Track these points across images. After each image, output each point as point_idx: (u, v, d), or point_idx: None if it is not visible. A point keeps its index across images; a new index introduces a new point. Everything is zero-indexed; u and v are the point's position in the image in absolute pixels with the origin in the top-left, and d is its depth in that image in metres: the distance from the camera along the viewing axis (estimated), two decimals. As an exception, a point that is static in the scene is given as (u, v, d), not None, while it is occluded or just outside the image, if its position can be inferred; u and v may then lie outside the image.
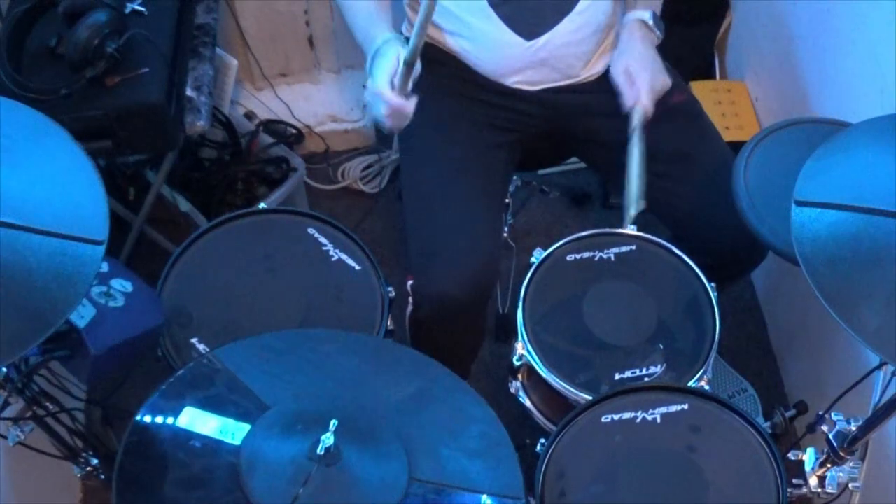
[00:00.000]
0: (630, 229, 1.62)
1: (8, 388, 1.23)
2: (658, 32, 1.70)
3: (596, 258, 1.59)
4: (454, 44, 1.69)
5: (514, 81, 1.69)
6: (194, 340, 1.45)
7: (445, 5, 1.63)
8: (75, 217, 1.10)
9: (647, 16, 1.69)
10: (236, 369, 1.18)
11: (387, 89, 1.52)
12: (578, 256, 1.59)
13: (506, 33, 1.61)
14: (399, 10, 1.78)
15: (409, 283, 1.65)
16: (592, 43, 1.69)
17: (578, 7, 1.61)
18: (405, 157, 1.79)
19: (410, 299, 1.67)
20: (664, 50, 1.77)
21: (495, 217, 1.71)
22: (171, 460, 1.09)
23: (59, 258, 1.06)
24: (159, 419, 1.12)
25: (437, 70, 1.71)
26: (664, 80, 1.66)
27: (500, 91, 1.69)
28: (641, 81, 1.62)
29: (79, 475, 1.48)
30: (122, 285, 1.30)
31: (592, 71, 1.73)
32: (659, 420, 1.36)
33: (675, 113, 1.67)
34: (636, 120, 1.62)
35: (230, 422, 1.11)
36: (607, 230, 1.62)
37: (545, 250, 1.59)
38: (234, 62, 2.17)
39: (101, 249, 1.09)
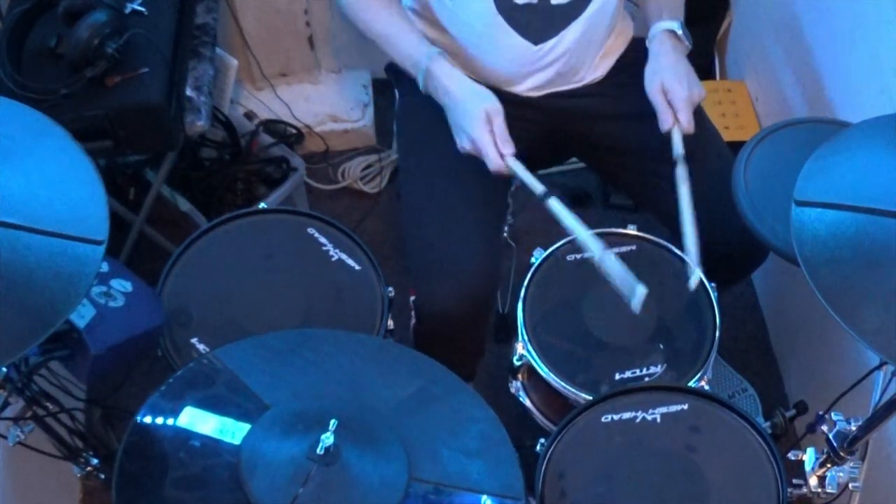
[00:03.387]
0: (630, 229, 1.62)
1: (8, 388, 1.23)
2: (687, 42, 1.68)
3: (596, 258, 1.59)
4: (463, 51, 1.68)
5: (522, 88, 1.69)
6: (194, 340, 1.45)
7: (454, 11, 1.63)
8: (75, 217, 1.10)
9: (675, 25, 1.66)
10: (236, 369, 1.18)
11: (497, 159, 1.52)
12: (578, 256, 1.59)
13: (514, 38, 1.61)
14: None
15: (412, 298, 1.65)
16: (599, 46, 1.69)
17: (587, 12, 1.60)
18: (404, 170, 1.78)
19: (413, 313, 1.67)
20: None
21: (495, 233, 1.71)
22: (170, 460, 1.09)
23: (59, 258, 1.06)
24: (159, 419, 1.12)
25: None
26: (700, 92, 1.63)
27: (506, 100, 1.69)
28: (678, 100, 1.59)
29: (79, 475, 1.48)
30: (122, 285, 1.30)
31: (596, 74, 1.73)
32: (659, 420, 1.36)
33: None
34: (678, 145, 1.58)
35: (230, 421, 1.11)
36: (607, 230, 1.62)
37: (545, 250, 1.59)
38: (234, 62, 2.17)
39: (101, 249, 1.09)
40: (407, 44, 1.63)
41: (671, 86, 1.60)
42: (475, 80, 1.63)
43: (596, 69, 1.72)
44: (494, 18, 1.59)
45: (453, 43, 1.68)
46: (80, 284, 1.06)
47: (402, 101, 1.82)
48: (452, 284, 1.57)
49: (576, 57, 1.67)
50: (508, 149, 1.53)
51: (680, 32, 1.66)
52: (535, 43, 1.62)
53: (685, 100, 1.59)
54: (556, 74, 1.68)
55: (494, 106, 1.54)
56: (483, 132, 1.52)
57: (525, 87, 1.69)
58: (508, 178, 1.79)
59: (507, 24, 1.60)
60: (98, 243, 1.09)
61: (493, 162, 1.52)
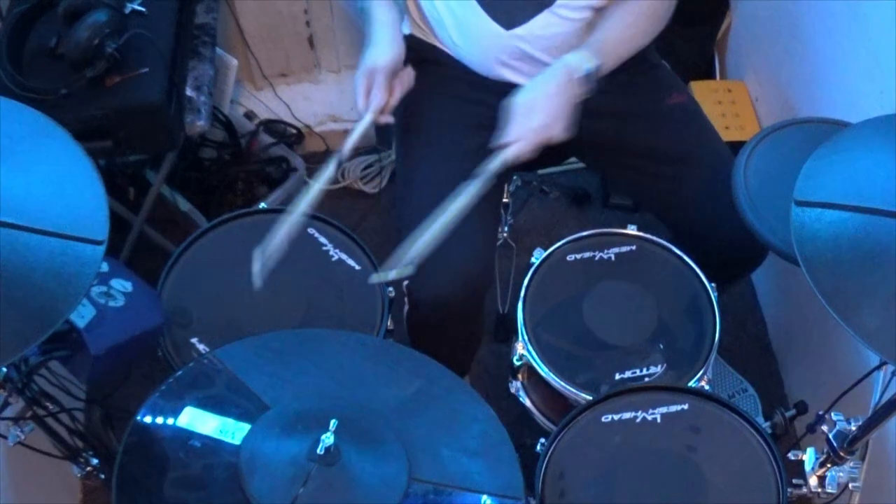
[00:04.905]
0: (630, 229, 1.62)
1: (8, 388, 1.23)
2: (585, 87, 1.53)
3: (596, 258, 1.59)
4: (442, 36, 1.69)
5: (505, 75, 1.68)
6: (194, 340, 1.45)
7: None
8: (75, 217, 1.10)
9: (579, 61, 1.52)
10: (236, 369, 1.18)
11: (361, 106, 1.59)
12: (578, 256, 1.59)
13: (485, 21, 1.61)
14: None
15: (405, 283, 1.65)
16: (581, 37, 1.67)
17: (558, 1, 1.59)
18: (400, 157, 1.79)
19: (406, 300, 1.67)
20: (665, 50, 1.77)
21: (491, 219, 1.71)
22: (171, 460, 1.09)
23: (59, 258, 1.06)
24: (159, 419, 1.12)
25: (434, 70, 1.71)
26: (551, 134, 1.50)
27: (494, 89, 1.69)
28: (515, 126, 1.50)
29: (79, 475, 1.48)
30: (122, 285, 1.30)
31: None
32: (659, 420, 1.36)
33: (674, 113, 1.67)
34: (493, 162, 1.50)
35: (230, 421, 1.11)
36: (607, 230, 1.62)
37: (545, 250, 1.59)
38: (234, 62, 2.17)
39: (101, 249, 1.09)
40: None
41: (519, 111, 1.50)
42: (465, 70, 1.64)
43: None
44: (467, 1, 1.60)
45: (434, 29, 1.69)
46: (80, 284, 1.06)
47: None
48: (447, 268, 1.57)
49: (553, 45, 1.65)
50: (373, 105, 1.58)
51: (579, 75, 1.52)
52: (506, 28, 1.62)
53: (520, 129, 1.49)
54: (537, 63, 1.66)
55: (381, 63, 1.59)
56: (360, 81, 1.60)
57: (509, 74, 1.68)
58: (507, 169, 1.79)
59: (478, 6, 1.60)
60: (98, 243, 1.09)
61: (359, 106, 1.60)
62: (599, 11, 1.66)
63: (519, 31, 1.62)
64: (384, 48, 1.61)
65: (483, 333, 1.89)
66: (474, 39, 1.65)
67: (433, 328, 1.66)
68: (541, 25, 1.61)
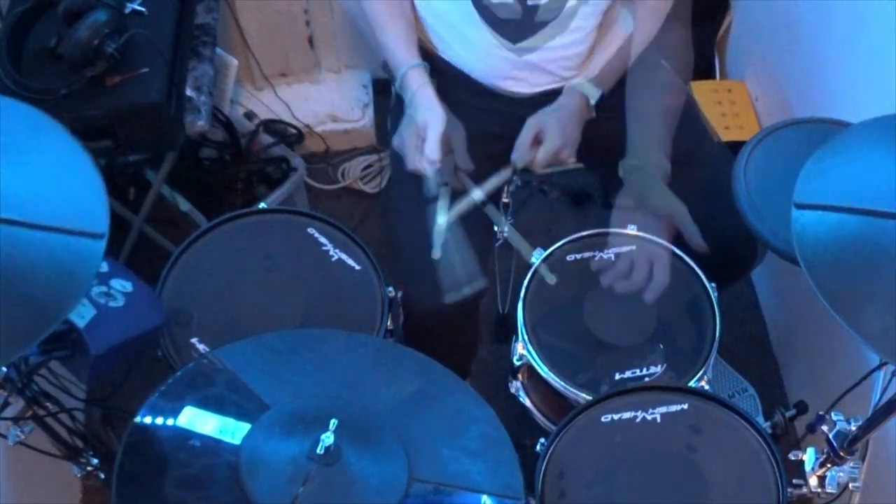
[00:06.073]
0: (630, 229, 1.62)
1: (8, 388, 1.23)
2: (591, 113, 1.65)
3: (596, 258, 1.59)
4: (446, 50, 1.68)
5: (509, 86, 1.68)
6: (194, 340, 1.45)
7: (436, 9, 1.63)
8: (75, 212, 1.10)
9: (594, 95, 1.63)
10: (236, 369, 1.18)
11: (413, 161, 1.56)
12: (578, 256, 1.59)
13: (491, 37, 1.61)
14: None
15: (401, 294, 1.65)
16: (585, 44, 1.68)
17: (565, 11, 1.59)
18: (395, 167, 1.78)
19: (401, 310, 1.67)
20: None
21: (481, 229, 1.70)
22: (170, 460, 1.09)
23: (60, 254, 1.06)
24: (159, 419, 1.12)
25: (434, 77, 1.70)
26: (567, 156, 1.61)
27: (497, 96, 1.69)
28: (547, 147, 1.56)
29: (79, 475, 1.48)
30: (122, 285, 1.30)
31: (589, 72, 1.72)
32: (659, 420, 1.36)
33: None
34: (508, 172, 1.58)
35: (230, 421, 1.11)
36: (607, 230, 1.62)
37: (545, 250, 1.59)
38: (234, 62, 2.17)
39: (102, 243, 1.08)
40: (394, 45, 1.64)
41: (550, 130, 1.57)
42: (465, 77, 1.64)
43: (589, 64, 1.71)
44: (473, 18, 1.59)
45: (438, 43, 1.68)
46: (81, 280, 1.06)
47: (398, 97, 1.83)
48: (438, 281, 1.57)
49: (560, 55, 1.65)
50: (431, 160, 1.53)
51: (592, 103, 1.64)
52: (514, 42, 1.62)
53: (551, 152, 1.56)
54: (543, 73, 1.67)
55: (435, 121, 1.54)
56: (411, 135, 1.55)
57: (512, 85, 1.68)
58: (503, 182, 1.79)
59: (484, 23, 1.59)
60: (99, 237, 1.08)
61: (410, 161, 1.56)
62: (608, 14, 1.66)
63: (525, 44, 1.62)
64: (434, 107, 1.57)
65: (480, 339, 1.89)
66: (480, 55, 1.65)
67: (429, 337, 1.65)
68: (546, 37, 1.61)
